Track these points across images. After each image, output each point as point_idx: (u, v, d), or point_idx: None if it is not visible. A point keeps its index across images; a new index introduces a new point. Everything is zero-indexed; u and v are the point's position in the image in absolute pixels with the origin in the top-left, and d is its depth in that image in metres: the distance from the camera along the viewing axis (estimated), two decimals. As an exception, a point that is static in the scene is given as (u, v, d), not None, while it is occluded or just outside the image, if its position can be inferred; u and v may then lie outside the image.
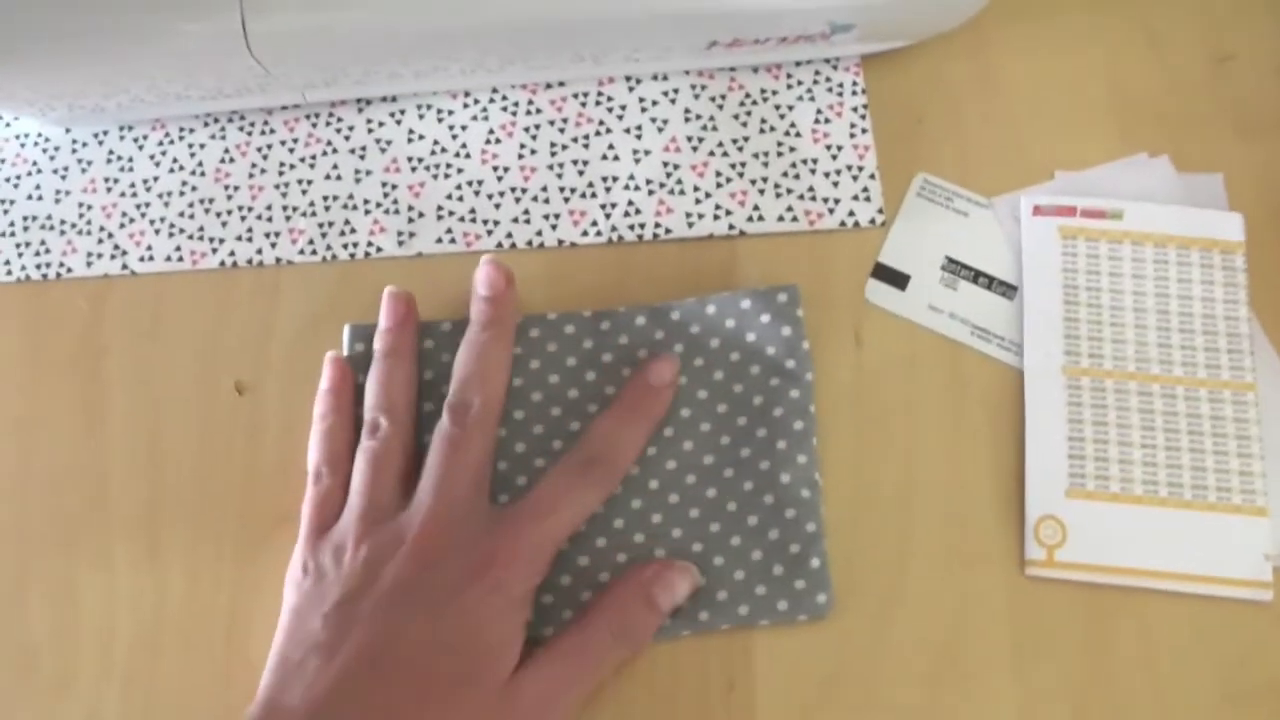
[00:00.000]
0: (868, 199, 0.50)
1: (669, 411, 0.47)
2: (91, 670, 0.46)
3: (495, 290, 0.47)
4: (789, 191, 0.50)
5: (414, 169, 0.52)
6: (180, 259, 0.51)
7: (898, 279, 0.49)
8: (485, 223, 0.51)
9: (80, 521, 0.48)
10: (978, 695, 0.44)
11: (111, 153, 0.53)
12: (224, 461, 0.48)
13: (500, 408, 0.46)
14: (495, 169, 0.52)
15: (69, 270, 0.51)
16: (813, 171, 0.51)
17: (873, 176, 0.50)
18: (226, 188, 0.52)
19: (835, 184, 0.50)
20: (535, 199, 0.51)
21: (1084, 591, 0.45)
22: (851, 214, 0.50)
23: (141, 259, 0.51)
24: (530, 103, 0.53)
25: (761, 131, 0.51)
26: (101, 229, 0.52)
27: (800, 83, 0.52)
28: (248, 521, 0.48)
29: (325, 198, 0.52)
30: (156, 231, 0.52)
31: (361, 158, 0.52)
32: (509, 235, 0.51)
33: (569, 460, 0.45)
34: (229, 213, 0.52)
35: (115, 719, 0.45)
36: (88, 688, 0.46)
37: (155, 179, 0.52)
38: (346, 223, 0.51)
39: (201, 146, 0.53)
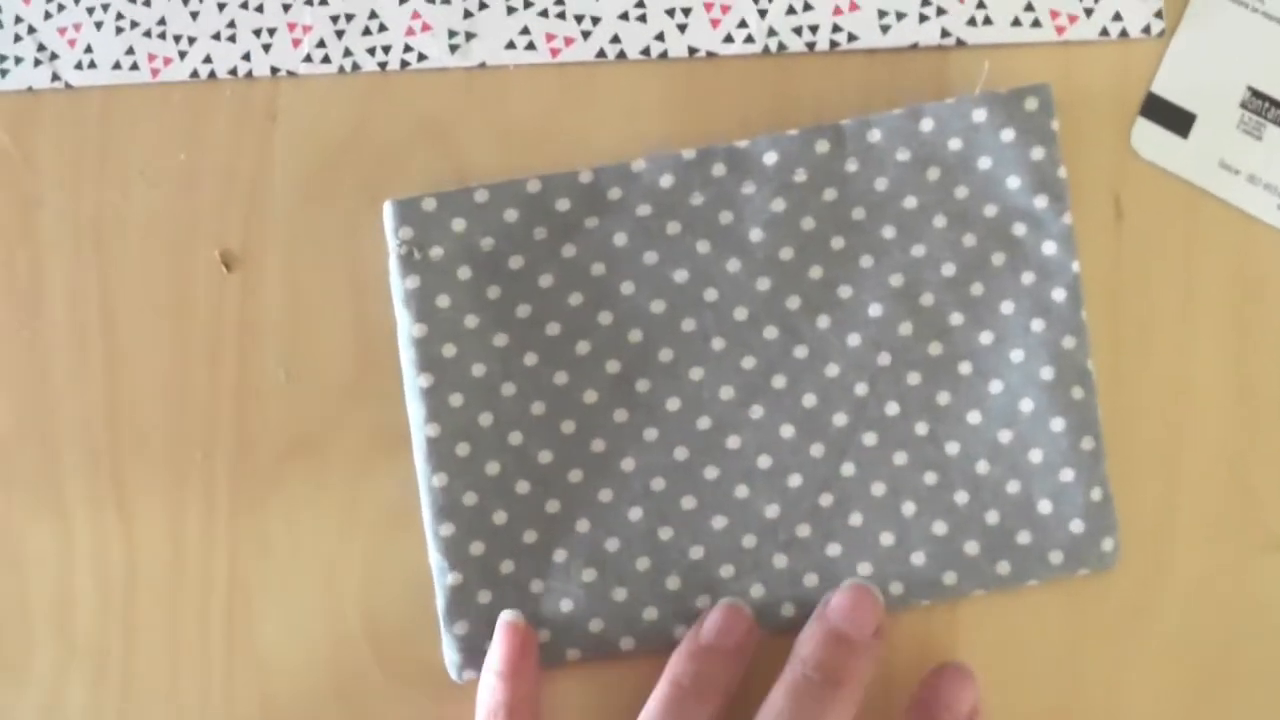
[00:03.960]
0: (1143, -6, 0.41)
1: (858, 271, 0.40)
2: (48, 650, 0.42)
3: (861, 630, 0.37)
4: (1029, -19, 0.42)
5: (472, -65, 0.43)
6: (135, 66, 0.43)
7: (1178, 119, 0.41)
8: (579, 19, 0.42)
9: (15, 446, 0.43)
10: None
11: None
12: (209, 366, 0.42)
13: None
14: (593, -64, 0.43)
15: (-25, 81, 0.44)
16: (1064, -50, 0.42)
17: (1151, -41, 0.42)
18: (196, -41, 0.44)
19: (1096, -30, 0.42)
20: (653, -15, 0.42)
21: None
22: (1117, 17, 0.41)
23: (79, 65, 0.43)
24: None
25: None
26: (18, 20, 0.44)
27: None
28: (245, 451, 0.42)
29: None
30: (98, 25, 0.44)
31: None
32: (614, 40, 0.42)
33: None
34: None
35: (83, 712, 0.41)
36: (45, 671, 0.42)
37: (91, -56, 0.44)
38: (373, 15, 0.43)
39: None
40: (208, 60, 0.43)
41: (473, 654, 0.38)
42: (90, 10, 0.43)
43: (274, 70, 0.42)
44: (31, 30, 0.43)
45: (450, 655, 0.39)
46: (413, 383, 0.39)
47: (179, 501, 0.41)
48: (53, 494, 0.42)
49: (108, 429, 0.42)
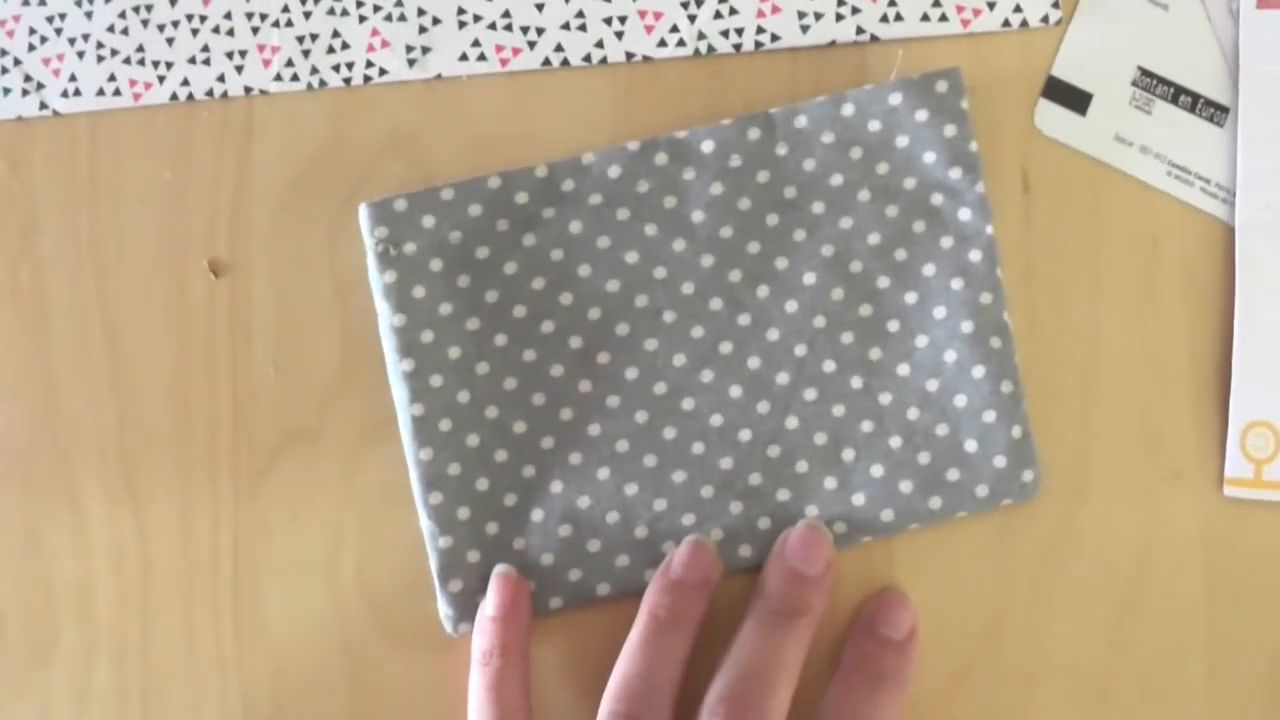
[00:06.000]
0: (1039, -13, 0.44)
1: (792, 244, 0.42)
2: (72, 637, 0.43)
3: (814, 567, 0.40)
4: (935, -21, 0.45)
5: (423, -44, 0.45)
6: (117, 92, 0.45)
7: (1076, 99, 0.43)
8: (524, 31, 0.44)
9: (29, 450, 0.44)
10: (1162, 643, 0.42)
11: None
12: (205, 366, 0.44)
13: None
14: (534, -49, 0.45)
15: (-33, 113, 0.46)
16: (965, -52, 0.44)
17: (1045, -46, 0.45)
18: (168, -12, 0.46)
19: (996, -34, 0.44)
20: (592, -6, 0.45)
21: (1299, 520, 0.42)
22: (1017, 9, 0.43)
23: (65, 94, 0.45)
24: None
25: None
26: (4, 54, 0.45)
27: None
28: (244, 442, 0.44)
29: (304, 0, 0.45)
30: (80, 55, 0.45)
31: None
32: (558, 49, 0.44)
33: None
34: (175, 24, 0.45)
35: (108, 695, 0.43)
36: (70, 656, 0.43)
37: (68, -22, 0.46)
38: (335, 35, 0.45)
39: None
40: (185, 83, 0.44)
41: (466, 608, 0.41)
42: (72, 41, 0.44)
43: (247, 90, 0.44)
44: (17, 62, 0.44)
45: (445, 610, 0.41)
46: (396, 368, 0.41)
47: (185, 492, 0.43)
48: (68, 493, 0.43)
49: (115, 430, 0.43)
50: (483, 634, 0.40)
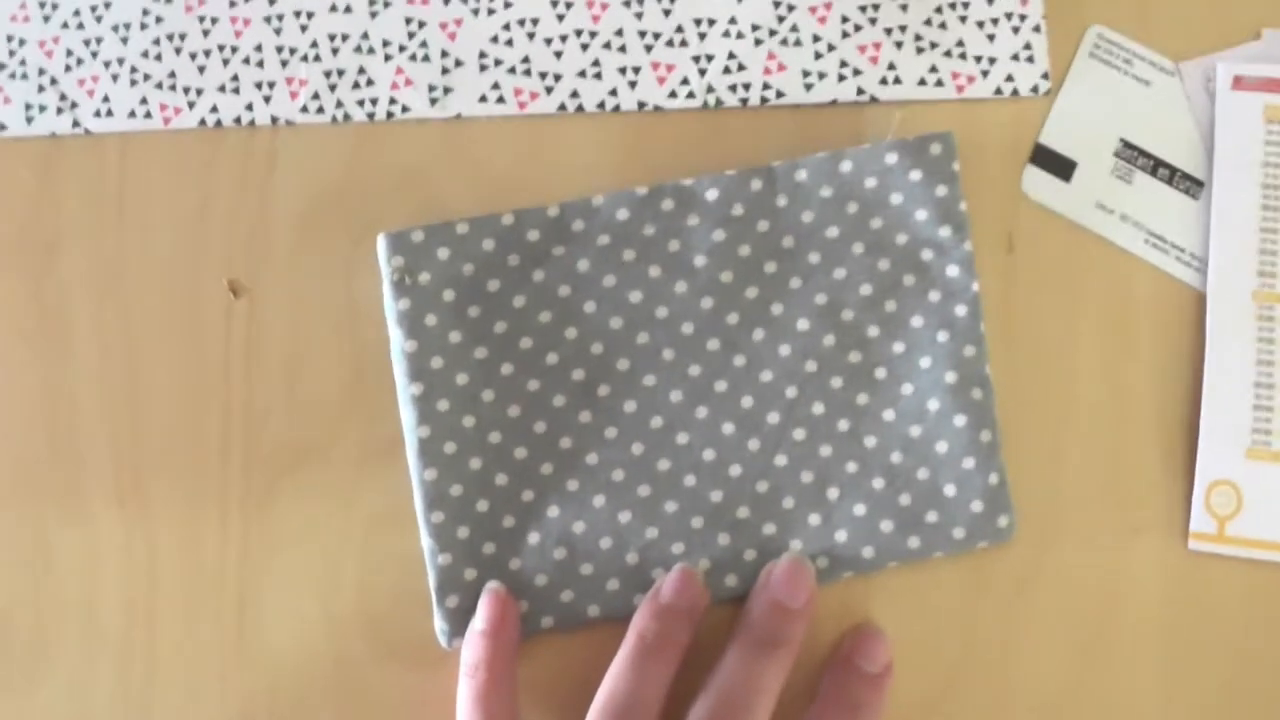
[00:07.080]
0: (1030, 59, 0.45)
1: (788, 291, 0.44)
2: (78, 642, 0.44)
3: (797, 600, 0.41)
4: (933, 46, 0.45)
5: (447, 0, 0.45)
6: (148, 115, 0.46)
7: (1061, 166, 0.45)
8: (543, 76, 0.45)
9: (44, 463, 0.45)
10: (1121, 686, 0.43)
11: (45, -37, 0.47)
12: (219, 384, 0.45)
13: None
14: (555, 2, 0.45)
15: (1, 127, 0.46)
16: (963, 20, 0.45)
17: (1037, 29, 0.45)
18: (201, 19, 0.46)
19: (991, 37, 0.45)
20: (608, 46, 0.45)
21: (1259, 573, 0.43)
22: (1010, 79, 0.45)
23: (97, 114, 0.46)
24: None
25: (900, -36, 0.46)
26: (41, 72, 0.46)
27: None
28: (254, 462, 0.44)
29: (332, 37, 0.46)
30: (114, 77, 0.46)
31: (377, -19, 0.47)
32: (574, 94, 0.45)
33: None
34: (207, 54, 0.46)
35: (110, 698, 0.44)
36: (75, 661, 0.44)
37: (107, 5, 0.46)
38: (361, 71, 0.46)
39: (165, -43, 0.47)
40: (214, 110, 0.45)
41: (461, 624, 0.42)
42: (107, 64, 0.45)
43: (274, 119, 0.45)
44: (54, 81, 0.45)
45: (440, 625, 0.42)
46: (405, 391, 0.43)
47: (195, 507, 0.44)
48: (81, 504, 0.44)
49: (130, 444, 0.44)
50: (471, 647, 0.41)
